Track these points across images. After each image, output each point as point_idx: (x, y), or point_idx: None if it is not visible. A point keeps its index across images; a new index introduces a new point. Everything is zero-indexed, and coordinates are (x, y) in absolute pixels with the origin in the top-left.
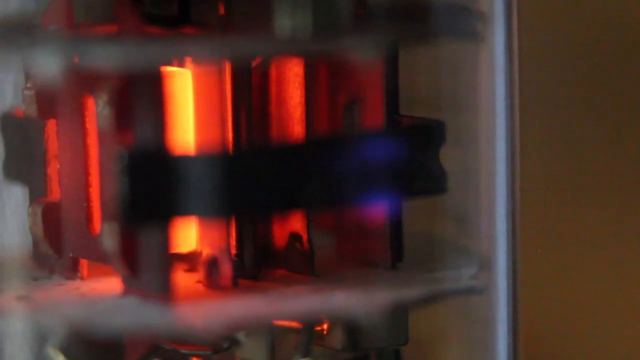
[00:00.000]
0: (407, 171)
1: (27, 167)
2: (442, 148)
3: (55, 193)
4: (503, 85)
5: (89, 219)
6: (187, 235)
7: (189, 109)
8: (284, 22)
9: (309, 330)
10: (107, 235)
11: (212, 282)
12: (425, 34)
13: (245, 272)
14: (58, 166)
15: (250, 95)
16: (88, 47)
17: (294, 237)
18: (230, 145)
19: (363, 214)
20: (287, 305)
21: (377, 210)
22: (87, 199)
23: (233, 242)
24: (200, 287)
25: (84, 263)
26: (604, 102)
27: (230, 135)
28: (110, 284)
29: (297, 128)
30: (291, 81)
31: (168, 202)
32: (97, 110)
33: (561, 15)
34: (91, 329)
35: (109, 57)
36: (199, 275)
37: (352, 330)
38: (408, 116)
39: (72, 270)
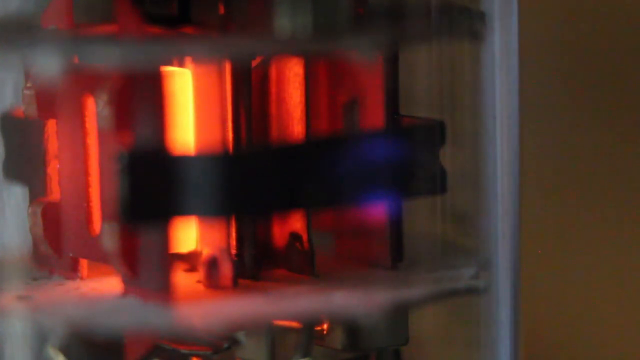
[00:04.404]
0: (407, 171)
1: (27, 167)
2: (442, 148)
3: (55, 193)
4: (503, 85)
5: (89, 219)
6: (187, 235)
7: (189, 109)
8: (284, 22)
9: (309, 330)
10: (107, 235)
11: (212, 282)
12: (425, 34)
13: (245, 272)
14: (58, 166)
15: (250, 95)
16: (88, 47)
17: (294, 237)
18: (230, 145)
19: (363, 214)
20: (287, 305)
21: (377, 210)
22: (87, 199)
23: (233, 242)
24: (200, 287)
25: (84, 263)
26: (604, 102)
27: (230, 135)
28: (110, 284)
29: (297, 128)
30: (291, 81)
31: (168, 202)
32: (97, 110)
33: (561, 15)
34: (91, 329)
35: (109, 57)
36: (199, 275)
37: (352, 330)
38: (408, 116)
39: (72, 270)
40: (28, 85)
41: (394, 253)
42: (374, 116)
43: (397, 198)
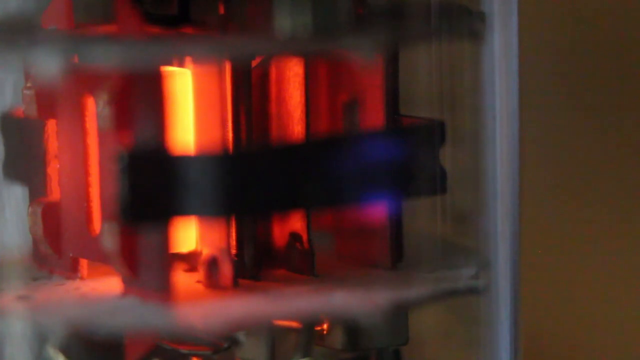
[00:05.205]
0: (407, 171)
1: (27, 167)
2: (442, 148)
3: (55, 193)
4: (503, 85)
5: (89, 219)
6: (187, 235)
7: (189, 109)
8: (284, 22)
9: (309, 330)
10: (107, 235)
11: (212, 282)
12: (425, 34)
13: (245, 272)
14: (58, 166)
15: (250, 95)
16: (88, 47)
17: (294, 237)
18: (230, 145)
19: (363, 214)
20: (287, 305)
21: (377, 210)
22: (87, 199)
23: (233, 242)
24: (200, 287)
25: (84, 263)
26: (604, 102)
27: (230, 135)
28: (110, 284)
29: (297, 128)
30: (291, 81)
31: (168, 202)
32: (97, 110)
33: (561, 15)
34: (91, 329)
35: (109, 57)
36: (199, 275)
37: (352, 330)
38: (408, 116)
39: (72, 270)
40: (28, 85)
41: (394, 253)
42: (374, 116)
43: (397, 198)
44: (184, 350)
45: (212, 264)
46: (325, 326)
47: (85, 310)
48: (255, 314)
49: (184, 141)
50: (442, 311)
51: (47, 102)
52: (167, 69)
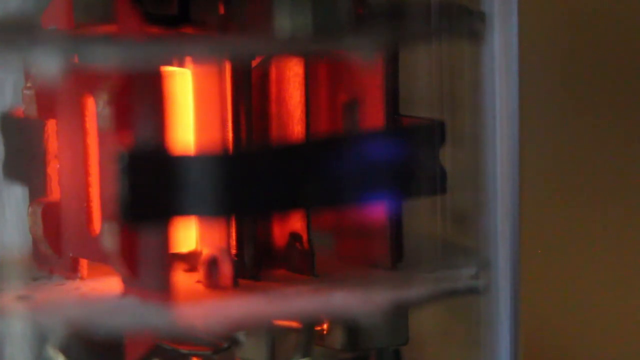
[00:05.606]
0: (407, 171)
1: (27, 167)
2: (442, 148)
3: (55, 193)
4: (503, 85)
5: (89, 219)
6: (187, 235)
7: (189, 109)
8: (284, 22)
9: (309, 330)
10: (107, 235)
11: (212, 282)
12: (425, 34)
13: (245, 272)
14: (58, 166)
15: (250, 95)
16: (88, 47)
17: (294, 237)
18: (230, 145)
19: (363, 214)
20: (287, 305)
21: (377, 210)
22: (87, 199)
23: (233, 242)
24: (200, 287)
25: (84, 263)
26: (604, 102)
27: (230, 135)
28: (110, 284)
29: (297, 128)
30: (291, 81)
31: (168, 202)
32: (97, 110)
33: (561, 15)
34: (91, 329)
35: (109, 57)
36: (199, 275)
37: (352, 330)
38: (408, 116)
39: (72, 270)
40: (28, 85)
41: (394, 253)
42: (374, 116)
43: (397, 198)
44: (184, 350)
45: (212, 264)
46: (325, 326)
47: (85, 310)
48: (255, 314)
49: (184, 141)
50: (442, 311)
51: (47, 102)
52: (167, 69)
